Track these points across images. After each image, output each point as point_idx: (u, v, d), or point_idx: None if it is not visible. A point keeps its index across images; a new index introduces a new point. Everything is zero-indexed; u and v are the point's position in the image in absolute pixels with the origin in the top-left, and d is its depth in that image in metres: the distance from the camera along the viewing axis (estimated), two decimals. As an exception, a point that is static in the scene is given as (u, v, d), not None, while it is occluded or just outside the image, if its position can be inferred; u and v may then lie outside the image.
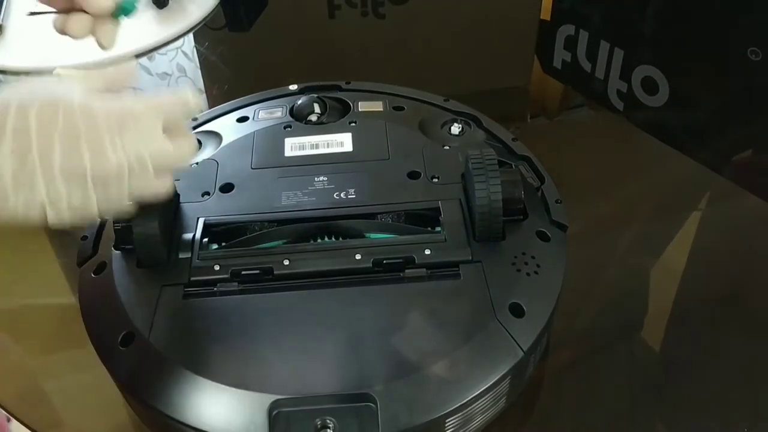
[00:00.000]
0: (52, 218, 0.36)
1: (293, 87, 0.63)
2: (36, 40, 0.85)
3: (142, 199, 0.39)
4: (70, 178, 0.36)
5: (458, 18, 0.97)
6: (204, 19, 0.92)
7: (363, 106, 0.59)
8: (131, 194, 0.38)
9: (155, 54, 0.85)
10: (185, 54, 0.87)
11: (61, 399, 0.51)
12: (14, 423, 0.49)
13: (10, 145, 0.35)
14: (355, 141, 0.55)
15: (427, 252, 0.45)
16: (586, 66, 0.84)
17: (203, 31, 0.91)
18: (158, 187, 0.39)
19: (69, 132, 0.36)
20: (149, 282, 0.45)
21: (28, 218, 0.36)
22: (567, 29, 0.87)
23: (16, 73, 0.83)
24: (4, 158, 0.35)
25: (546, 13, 0.92)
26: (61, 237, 0.63)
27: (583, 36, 0.85)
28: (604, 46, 0.83)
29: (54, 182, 0.35)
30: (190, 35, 0.89)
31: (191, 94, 0.41)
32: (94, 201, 0.37)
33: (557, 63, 0.87)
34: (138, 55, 0.84)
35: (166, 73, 0.82)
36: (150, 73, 0.82)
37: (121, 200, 0.38)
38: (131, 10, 0.47)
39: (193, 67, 0.84)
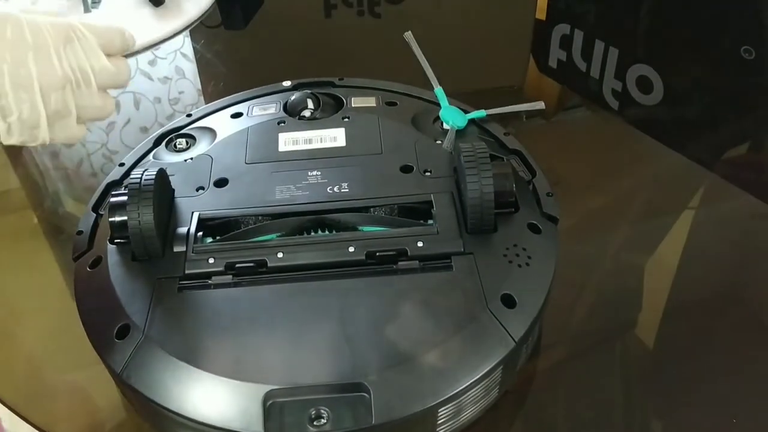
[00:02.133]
0: (3, 133, 0.38)
1: (287, 83, 0.64)
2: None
3: (88, 117, 0.41)
4: (19, 88, 0.37)
5: (454, 17, 0.97)
6: (200, 17, 0.92)
7: (356, 102, 0.60)
8: (78, 110, 0.40)
9: (156, 58, 0.86)
10: (184, 55, 0.87)
11: (61, 395, 0.51)
12: (7, 423, 0.49)
13: None
14: (349, 136, 0.55)
15: (420, 244, 0.45)
16: (582, 65, 0.84)
17: (199, 29, 0.91)
18: (101, 107, 0.41)
19: (17, 43, 0.37)
20: (144, 275, 0.45)
21: None
22: (562, 28, 0.88)
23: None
24: None
25: (541, 13, 0.92)
26: (58, 234, 0.64)
27: (578, 35, 0.86)
28: (599, 46, 0.83)
29: (3, 92, 0.37)
30: (190, 37, 0.90)
31: (125, 29, 0.43)
32: (44, 114, 0.39)
33: (553, 62, 0.87)
34: (135, 53, 0.85)
35: (167, 77, 0.82)
36: (151, 78, 0.83)
37: (69, 116, 0.40)
38: None
39: (192, 69, 0.85)
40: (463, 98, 0.61)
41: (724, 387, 0.49)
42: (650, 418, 0.48)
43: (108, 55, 0.41)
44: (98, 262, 0.47)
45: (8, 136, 0.39)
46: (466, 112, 0.58)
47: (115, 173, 0.56)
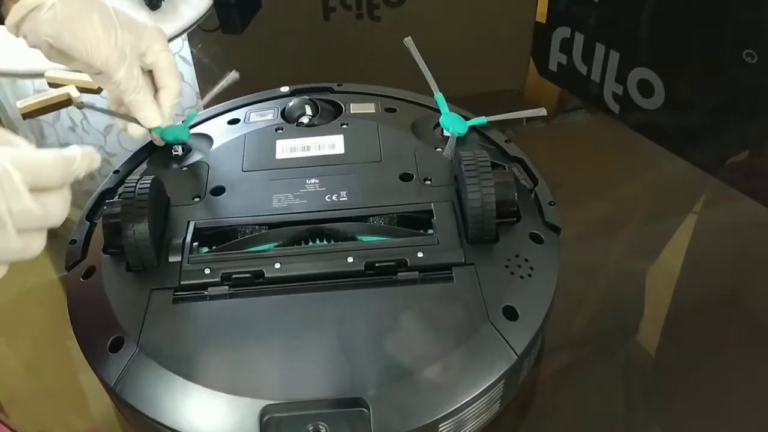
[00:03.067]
0: None
1: (284, 89, 0.63)
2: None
3: (2, 260, 0.36)
4: None
5: (454, 20, 0.97)
6: (197, 20, 0.92)
7: (355, 108, 0.59)
8: None
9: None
10: (183, 58, 0.86)
11: (52, 403, 0.51)
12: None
13: None
14: (347, 143, 0.55)
15: (420, 255, 0.44)
16: (582, 69, 0.84)
17: (197, 33, 0.90)
18: (21, 249, 0.36)
19: None
20: (139, 286, 0.44)
21: None
22: (563, 32, 0.87)
23: (8, 75, 0.83)
24: None
25: (542, 16, 0.92)
26: (53, 240, 0.63)
27: (579, 39, 0.85)
28: (600, 49, 0.82)
29: None
30: (187, 40, 0.89)
31: (82, 154, 0.38)
32: None
33: (553, 66, 0.87)
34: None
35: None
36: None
37: None
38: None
39: (191, 72, 0.84)
40: (463, 102, 0.60)
41: (728, 395, 0.48)
42: (654, 428, 0.47)
43: (43, 190, 0.36)
44: (92, 272, 0.47)
45: None
46: (466, 118, 0.57)
47: (110, 181, 0.55)
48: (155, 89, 0.55)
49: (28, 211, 0.35)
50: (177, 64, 0.55)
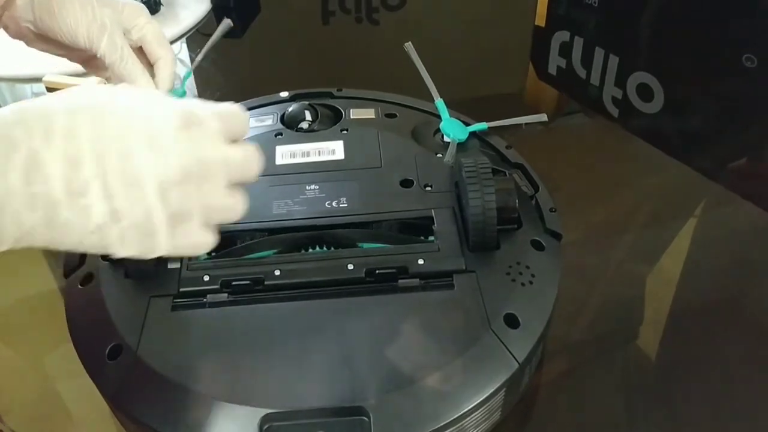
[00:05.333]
0: (112, 241, 0.32)
1: (284, 94, 0.63)
2: (26, 47, 0.85)
3: (214, 220, 0.34)
4: (130, 185, 0.31)
5: (453, 24, 0.97)
6: (196, 25, 0.91)
7: (355, 114, 0.59)
8: (201, 211, 0.34)
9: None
10: (181, 61, 0.86)
11: (51, 410, 0.50)
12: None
13: (61, 150, 0.30)
14: (347, 149, 0.54)
15: (421, 262, 0.44)
16: (581, 72, 0.84)
17: (195, 37, 0.90)
18: (230, 205, 0.35)
19: (125, 133, 0.31)
20: (137, 293, 0.44)
21: (82, 242, 0.32)
22: (562, 36, 0.87)
23: (6, 80, 0.83)
24: (55, 165, 0.30)
25: (541, 20, 0.92)
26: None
27: (578, 42, 0.85)
28: (599, 53, 0.82)
29: (112, 191, 0.31)
30: (186, 45, 0.89)
31: (238, 108, 0.37)
32: (161, 216, 0.32)
33: (552, 69, 0.86)
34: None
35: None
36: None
37: (190, 219, 0.33)
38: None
39: (190, 77, 0.83)
40: (461, 105, 0.60)
41: (729, 399, 0.48)
42: (654, 430, 0.47)
43: (232, 142, 0.35)
44: (90, 279, 0.46)
45: (122, 246, 0.32)
46: (467, 124, 0.57)
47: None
48: (150, 65, 0.54)
49: (232, 159, 0.34)
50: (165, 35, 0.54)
